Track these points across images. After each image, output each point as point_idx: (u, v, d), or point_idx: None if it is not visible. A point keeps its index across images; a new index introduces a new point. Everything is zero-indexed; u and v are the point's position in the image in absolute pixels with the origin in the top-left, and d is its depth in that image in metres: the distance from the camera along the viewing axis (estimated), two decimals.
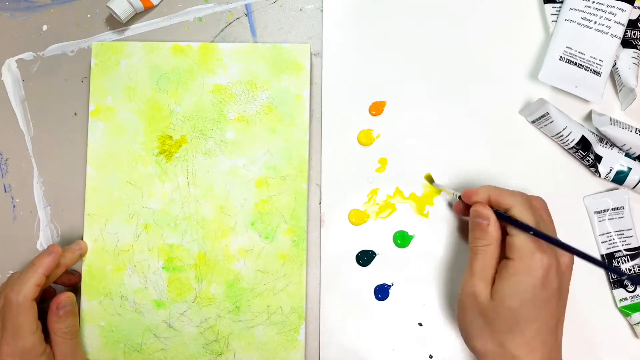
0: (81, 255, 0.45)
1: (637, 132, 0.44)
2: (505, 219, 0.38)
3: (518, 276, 0.36)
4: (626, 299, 0.45)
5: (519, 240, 0.37)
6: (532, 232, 0.36)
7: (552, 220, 0.40)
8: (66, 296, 0.42)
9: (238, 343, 0.45)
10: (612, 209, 0.45)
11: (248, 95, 0.47)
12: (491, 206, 0.39)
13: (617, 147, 0.45)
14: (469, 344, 0.39)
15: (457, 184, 0.46)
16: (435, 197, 0.46)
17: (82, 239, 0.46)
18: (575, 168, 0.47)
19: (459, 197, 0.42)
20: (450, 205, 0.46)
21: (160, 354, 0.45)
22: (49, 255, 0.41)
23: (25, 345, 0.39)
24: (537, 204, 0.40)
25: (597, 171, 0.45)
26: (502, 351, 0.36)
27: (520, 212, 0.37)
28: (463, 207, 0.43)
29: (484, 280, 0.37)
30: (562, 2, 0.47)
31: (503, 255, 0.38)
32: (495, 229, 0.38)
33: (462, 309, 0.39)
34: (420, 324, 0.46)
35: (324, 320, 0.46)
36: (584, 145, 0.44)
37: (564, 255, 0.37)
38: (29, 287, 0.40)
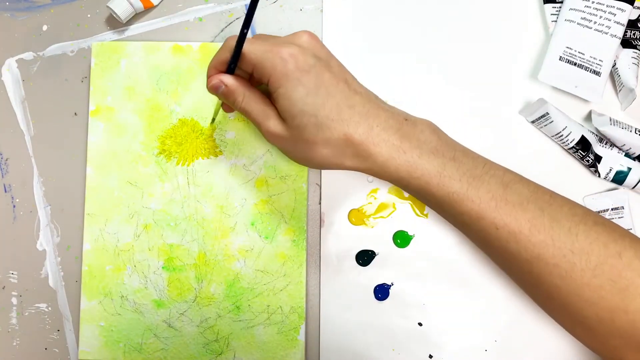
0: None
1: (637, 132, 0.44)
2: (230, 63, 0.37)
3: (282, 87, 0.35)
4: None
5: (258, 67, 0.36)
6: (240, 38, 0.35)
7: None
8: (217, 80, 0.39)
9: (238, 343, 0.45)
10: (612, 209, 0.46)
11: None
12: (222, 70, 0.38)
13: (617, 147, 0.45)
14: (314, 165, 0.38)
15: None
16: None
17: (82, 239, 0.46)
18: (575, 168, 0.47)
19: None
20: None
21: (160, 354, 0.45)
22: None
23: None
24: None
25: (597, 171, 0.45)
26: (336, 146, 0.36)
27: (230, 46, 0.36)
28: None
29: (269, 117, 0.37)
30: (562, 2, 0.47)
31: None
32: (233, 81, 0.37)
33: (283, 151, 0.39)
34: (420, 324, 0.46)
35: (324, 320, 0.46)
36: (583, 145, 0.44)
37: (300, 38, 0.37)
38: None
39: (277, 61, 0.35)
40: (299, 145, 0.37)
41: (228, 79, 0.37)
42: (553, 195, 0.36)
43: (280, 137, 0.37)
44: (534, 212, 0.35)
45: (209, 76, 0.39)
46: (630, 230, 0.45)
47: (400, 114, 0.38)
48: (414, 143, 0.36)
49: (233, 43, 0.36)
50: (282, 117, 0.36)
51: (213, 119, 0.46)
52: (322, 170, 0.47)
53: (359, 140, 0.36)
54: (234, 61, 0.37)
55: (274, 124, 0.37)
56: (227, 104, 0.39)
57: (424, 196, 0.37)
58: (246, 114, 0.38)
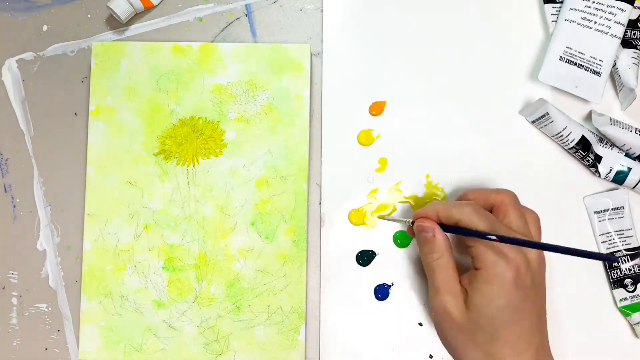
0: None
1: (637, 132, 0.44)
2: (453, 231, 0.37)
3: (489, 285, 0.35)
4: (626, 299, 0.45)
5: (478, 249, 0.36)
6: (486, 237, 0.35)
7: (520, 215, 0.38)
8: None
9: (238, 343, 0.45)
10: (612, 209, 0.46)
11: (248, 95, 0.47)
12: (442, 222, 0.38)
13: (617, 147, 0.45)
14: (456, 358, 0.38)
15: (456, 183, 0.47)
16: (436, 197, 0.46)
17: (82, 239, 0.46)
18: (575, 168, 0.47)
19: (412, 222, 0.40)
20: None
21: (161, 354, 0.45)
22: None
23: None
24: (495, 206, 0.39)
25: (597, 171, 0.45)
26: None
27: (469, 221, 0.36)
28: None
29: (451, 293, 0.37)
30: (562, 2, 0.47)
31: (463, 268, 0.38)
32: (442, 238, 0.38)
33: (439, 328, 0.38)
34: (420, 324, 0.46)
35: (324, 320, 0.46)
36: (584, 145, 0.44)
37: (531, 252, 0.37)
38: None
39: (500, 262, 0.35)
40: (460, 338, 0.36)
41: (440, 233, 0.38)
42: None
43: (449, 318, 0.36)
44: None
45: (418, 215, 0.39)
46: (630, 230, 0.45)
47: None
48: None
49: (468, 212, 0.36)
50: (467, 302, 0.36)
51: (383, 217, 0.46)
52: (323, 170, 0.47)
53: None
54: (457, 233, 0.37)
55: (454, 303, 0.36)
56: (420, 248, 0.39)
57: None
58: (429, 272, 0.38)
